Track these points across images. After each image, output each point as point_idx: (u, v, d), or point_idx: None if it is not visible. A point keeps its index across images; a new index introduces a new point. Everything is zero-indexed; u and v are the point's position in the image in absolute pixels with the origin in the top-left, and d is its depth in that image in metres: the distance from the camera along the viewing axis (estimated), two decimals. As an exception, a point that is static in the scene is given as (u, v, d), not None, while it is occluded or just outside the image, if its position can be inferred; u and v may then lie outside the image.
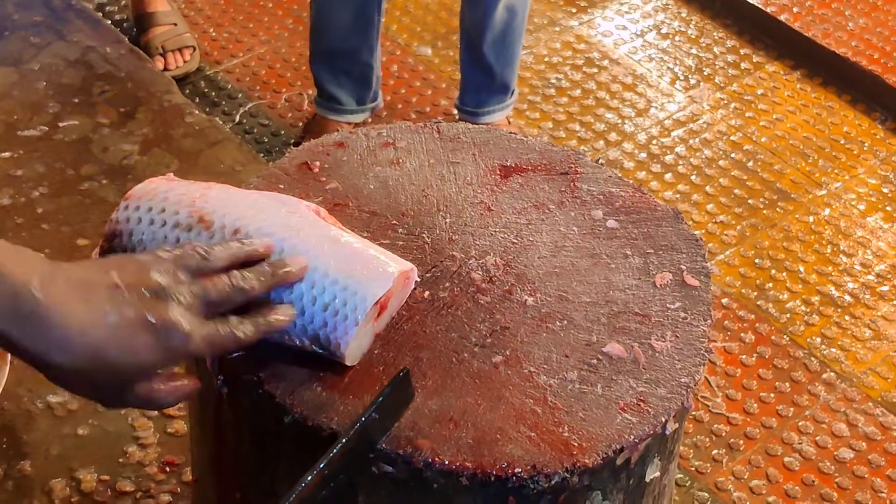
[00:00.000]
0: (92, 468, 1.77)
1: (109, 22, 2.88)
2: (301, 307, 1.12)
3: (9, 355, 1.77)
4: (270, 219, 1.16)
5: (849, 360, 2.54)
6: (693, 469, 2.27)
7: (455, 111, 3.04)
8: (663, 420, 1.14)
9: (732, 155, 3.06)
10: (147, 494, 1.75)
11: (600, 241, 1.32)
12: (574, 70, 3.30)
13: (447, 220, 1.33)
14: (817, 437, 2.36)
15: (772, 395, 2.44)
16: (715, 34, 3.48)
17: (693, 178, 2.98)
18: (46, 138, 2.32)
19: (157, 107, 2.44)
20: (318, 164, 1.39)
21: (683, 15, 3.54)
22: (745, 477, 2.28)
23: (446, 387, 1.14)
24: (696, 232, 1.36)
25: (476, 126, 1.48)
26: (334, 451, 1.04)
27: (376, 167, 1.40)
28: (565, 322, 1.22)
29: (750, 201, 2.92)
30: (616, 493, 1.15)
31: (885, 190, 3.00)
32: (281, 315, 1.10)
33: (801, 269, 2.75)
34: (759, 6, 3.50)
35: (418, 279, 1.23)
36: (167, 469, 1.79)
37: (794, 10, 3.49)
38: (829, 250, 2.81)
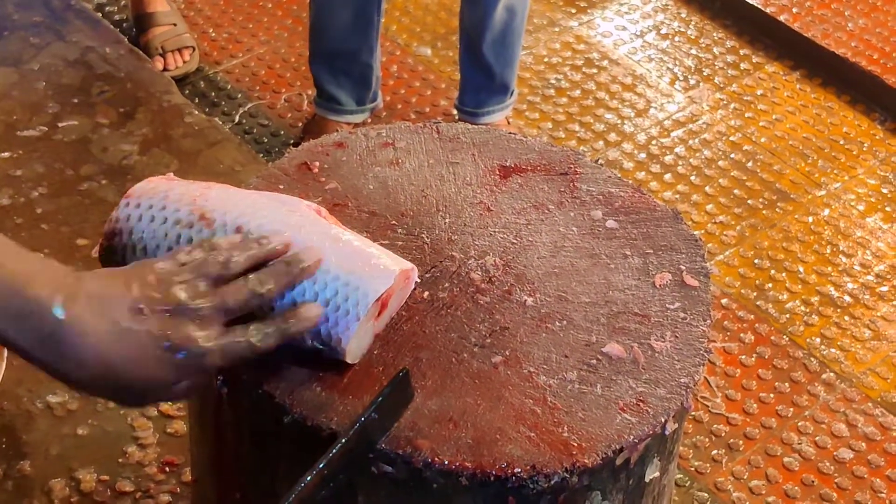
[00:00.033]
0: (91, 468, 1.77)
1: (109, 22, 2.88)
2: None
3: (6, 351, 1.77)
4: (271, 217, 1.16)
5: (848, 360, 2.54)
6: (693, 469, 2.27)
7: (454, 111, 3.04)
8: (663, 420, 1.14)
9: (732, 155, 3.06)
10: (147, 494, 1.75)
11: (600, 242, 1.32)
12: (573, 70, 3.30)
13: (446, 221, 1.33)
14: (817, 438, 2.36)
15: (771, 395, 2.44)
16: (714, 35, 3.48)
17: (692, 178, 2.98)
18: (46, 138, 2.32)
19: (156, 107, 2.44)
20: (317, 164, 1.39)
21: (683, 15, 3.54)
22: (745, 477, 2.28)
23: (446, 387, 1.14)
24: (695, 232, 1.36)
25: (475, 126, 1.48)
26: (334, 451, 1.04)
27: (376, 167, 1.40)
28: (565, 322, 1.22)
29: (749, 202, 2.92)
30: (615, 493, 1.15)
31: (885, 190, 3.00)
32: (305, 320, 1.10)
33: (801, 269, 2.75)
34: (759, 6, 3.50)
35: (418, 280, 1.23)
36: (167, 469, 1.79)
37: (794, 10, 3.49)
38: (828, 251, 2.81)
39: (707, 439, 2.33)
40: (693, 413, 2.35)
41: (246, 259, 1.09)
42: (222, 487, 1.32)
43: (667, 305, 1.25)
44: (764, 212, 2.90)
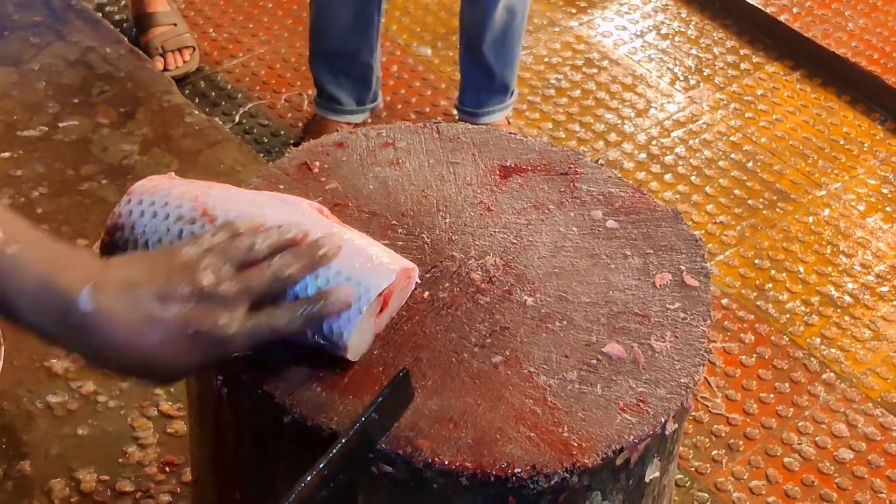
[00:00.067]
0: (91, 468, 1.77)
1: (109, 22, 2.88)
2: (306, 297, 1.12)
3: (3, 350, 1.77)
4: (273, 214, 1.16)
5: (848, 360, 2.54)
6: (693, 469, 2.27)
7: (455, 111, 3.04)
8: (663, 420, 1.14)
9: (732, 155, 3.06)
10: (147, 494, 1.75)
11: (600, 242, 1.32)
12: (574, 70, 3.30)
13: (447, 221, 1.33)
14: (817, 438, 2.36)
15: (771, 395, 2.44)
16: (714, 35, 3.48)
17: (693, 178, 2.98)
18: (46, 138, 2.32)
19: (156, 107, 2.44)
20: (317, 164, 1.39)
21: (683, 15, 3.54)
22: (745, 477, 2.28)
23: (446, 387, 1.14)
24: (695, 232, 1.36)
25: (476, 126, 1.48)
26: (334, 451, 1.04)
27: (376, 167, 1.40)
28: (565, 322, 1.22)
29: (749, 202, 2.92)
30: (616, 493, 1.15)
31: (885, 190, 3.00)
32: (337, 301, 1.10)
33: (801, 269, 2.75)
34: (759, 6, 3.50)
35: (418, 280, 1.23)
36: (167, 469, 1.79)
37: (794, 10, 3.49)
38: (828, 251, 2.81)
39: (707, 439, 2.33)
40: (693, 413, 2.35)
41: (268, 245, 1.10)
42: (222, 487, 1.32)
43: (667, 305, 1.25)
44: (764, 212, 2.90)
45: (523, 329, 1.21)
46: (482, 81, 2.95)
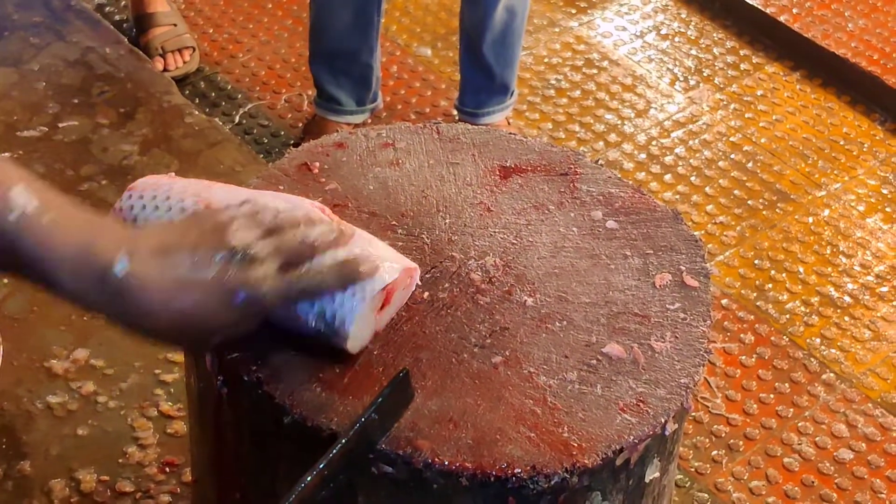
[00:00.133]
0: (91, 468, 1.77)
1: (109, 23, 2.88)
2: None
3: (1, 349, 1.77)
4: (281, 206, 1.17)
5: (848, 360, 2.54)
6: (693, 470, 2.27)
7: (454, 112, 3.04)
8: (663, 421, 1.14)
9: (732, 156, 3.06)
10: (147, 495, 1.75)
11: (600, 242, 1.32)
12: (573, 71, 3.30)
13: (447, 221, 1.33)
14: (817, 438, 2.36)
15: (771, 395, 2.44)
16: (714, 35, 3.48)
17: (692, 179, 2.98)
18: (46, 139, 2.32)
19: (156, 107, 2.44)
20: (317, 164, 1.39)
21: (683, 16, 3.54)
22: (745, 478, 2.28)
23: (446, 387, 1.14)
24: (695, 233, 1.36)
25: (476, 127, 1.48)
26: (334, 451, 1.04)
27: (376, 168, 1.40)
28: (565, 323, 1.22)
29: (749, 202, 2.92)
30: (615, 493, 1.15)
31: (885, 191, 3.00)
32: (362, 271, 1.11)
33: (801, 269, 2.75)
34: (759, 7, 3.50)
35: (419, 282, 1.23)
36: (167, 469, 1.79)
37: (794, 11, 3.49)
38: (828, 251, 2.81)
39: (707, 440, 2.33)
40: (693, 413, 2.35)
41: (293, 217, 1.11)
42: (222, 488, 1.32)
43: (667, 306, 1.25)
44: (764, 212, 2.90)
45: (523, 329, 1.21)
46: (482, 82, 2.95)
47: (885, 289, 2.72)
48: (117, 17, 3.28)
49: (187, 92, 3.01)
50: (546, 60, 3.33)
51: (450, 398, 1.13)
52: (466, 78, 2.97)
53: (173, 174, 1.24)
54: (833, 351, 2.56)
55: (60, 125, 2.34)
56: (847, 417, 2.41)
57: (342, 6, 2.81)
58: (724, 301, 2.64)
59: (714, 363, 2.49)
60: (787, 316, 2.63)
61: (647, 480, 1.19)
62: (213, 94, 3.10)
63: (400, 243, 1.29)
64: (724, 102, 3.24)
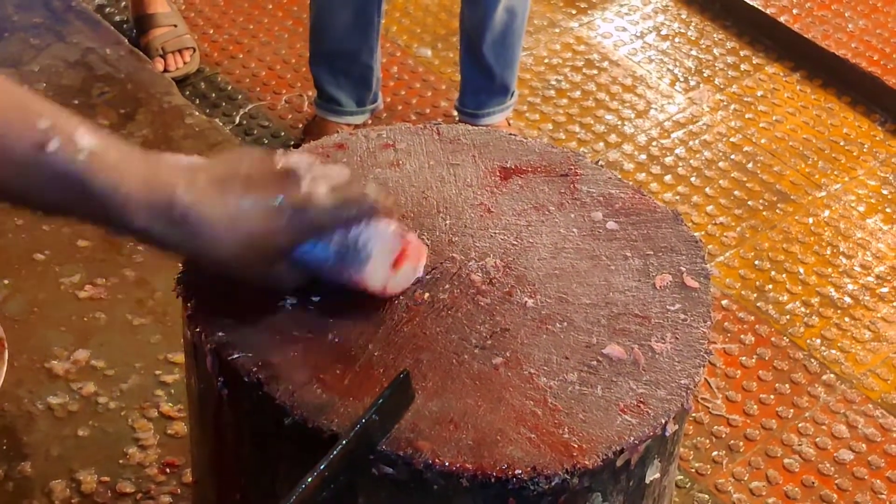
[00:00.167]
0: (92, 469, 1.77)
1: (109, 23, 2.88)
2: None
3: (6, 353, 1.77)
4: None
5: (848, 361, 2.54)
6: (693, 470, 2.27)
7: (455, 113, 3.04)
8: (663, 421, 1.14)
9: (732, 156, 3.06)
10: (147, 496, 1.75)
11: (600, 243, 1.32)
12: (574, 72, 3.30)
13: (447, 222, 1.33)
14: (817, 439, 2.36)
15: (772, 396, 2.44)
16: (715, 36, 3.48)
17: (693, 179, 2.98)
18: (46, 140, 2.32)
19: (156, 108, 2.44)
20: (318, 165, 1.39)
21: (683, 16, 3.54)
22: (745, 478, 2.28)
23: (446, 388, 1.14)
24: (695, 233, 1.36)
25: (476, 128, 1.48)
26: (334, 452, 1.04)
27: (376, 169, 1.40)
28: (565, 324, 1.22)
29: (749, 203, 2.92)
30: (616, 494, 1.15)
31: (885, 192, 3.00)
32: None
33: (801, 270, 2.75)
34: (759, 8, 3.50)
35: (419, 283, 1.23)
36: (167, 470, 1.79)
37: (794, 11, 3.49)
38: (828, 252, 2.81)
39: (707, 440, 2.33)
40: (693, 414, 2.35)
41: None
42: (223, 489, 1.32)
43: (667, 307, 1.25)
44: (764, 213, 2.90)
45: (524, 330, 1.21)
46: (482, 83, 2.95)
47: (885, 289, 2.72)
48: (117, 18, 3.28)
49: (188, 93, 3.01)
50: (546, 61, 3.33)
51: (450, 399, 1.13)
52: (466, 79, 2.97)
53: None
54: (833, 352, 2.56)
55: (61, 126, 2.34)
56: (847, 418, 2.41)
57: (342, 7, 2.82)
58: (724, 302, 2.64)
59: (714, 364, 2.49)
60: (788, 317, 2.63)
61: (647, 481, 1.19)
62: (214, 95, 3.10)
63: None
64: (725, 103, 3.24)
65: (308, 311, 1.20)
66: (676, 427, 1.18)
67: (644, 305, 1.25)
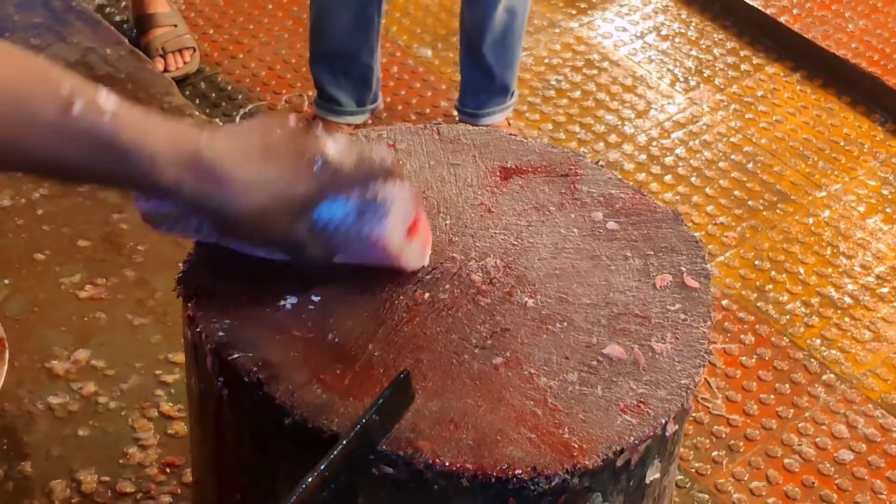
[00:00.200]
0: (92, 469, 1.77)
1: (109, 24, 2.88)
2: None
3: (7, 353, 1.77)
4: None
5: (849, 361, 2.54)
6: (693, 470, 2.27)
7: (455, 113, 3.04)
8: (663, 421, 1.14)
9: (732, 157, 3.06)
10: (147, 496, 1.75)
11: (600, 243, 1.32)
12: (574, 72, 3.30)
13: (447, 222, 1.33)
14: (817, 439, 2.36)
15: (772, 396, 2.44)
16: (715, 36, 3.48)
17: (693, 179, 2.98)
18: (47, 140, 2.32)
19: (157, 108, 2.44)
20: (318, 165, 1.39)
21: (683, 17, 3.54)
22: (745, 478, 2.28)
23: (446, 388, 1.14)
24: (695, 233, 1.36)
25: (476, 128, 1.48)
26: (335, 452, 1.04)
27: (377, 169, 1.40)
28: (565, 324, 1.22)
29: (750, 203, 2.92)
30: (616, 494, 1.16)
31: (885, 192, 3.00)
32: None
33: (801, 270, 2.75)
34: (759, 8, 3.50)
35: (420, 277, 1.23)
36: (167, 470, 1.79)
37: (794, 11, 3.49)
38: (828, 252, 2.81)
39: (707, 440, 2.33)
40: (693, 414, 2.35)
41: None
42: (223, 489, 1.32)
43: (667, 307, 1.25)
44: (764, 213, 2.90)
45: (524, 330, 1.21)
46: (482, 83, 2.95)
47: (885, 290, 2.72)
48: (118, 18, 3.28)
49: (188, 92, 3.01)
50: (546, 61, 3.33)
51: (450, 399, 1.13)
52: (467, 79, 2.97)
53: None
54: (833, 352, 2.56)
55: (61, 126, 2.34)
56: (847, 418, 2.41)
57: (342, 7, 2.82)
58: (724, 302, 2.64)
59: (714, 364, 2.50)
60: (788, 317, 2.63)
61: (647, 481, 1.19)
62: (214, 95, 3.10)
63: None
64: (725, 103, 3.24)
65: (308, 311, 1.20)
66: (676, 427, 1.18)
67: (644, 305, 1.25)
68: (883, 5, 3.56)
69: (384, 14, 2.91)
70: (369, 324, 1.20)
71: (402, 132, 1.45)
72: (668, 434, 1.16)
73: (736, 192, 2.94)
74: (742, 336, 2.56)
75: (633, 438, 1.12)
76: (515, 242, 1.31)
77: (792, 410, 2.41)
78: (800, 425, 2.38)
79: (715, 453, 2.31)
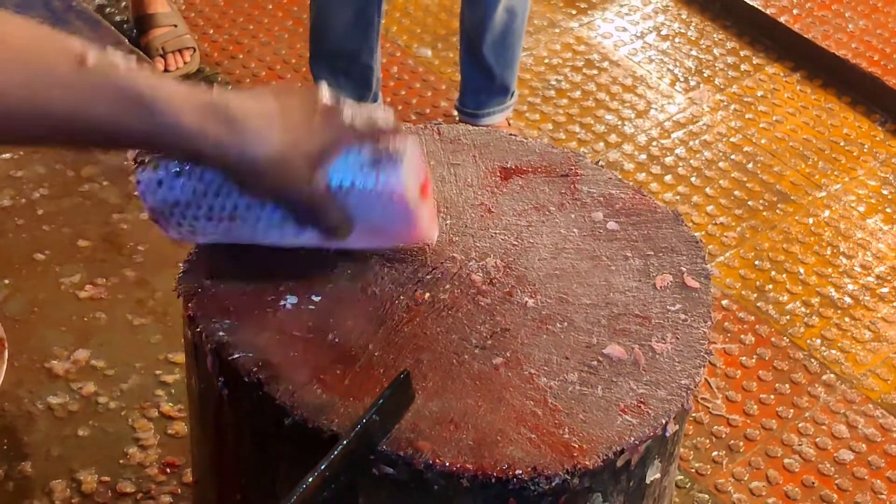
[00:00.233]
0: (92, 469, 1.77)
1: (109, 23, 2.88)
2: None
3: (6, 352, 1.77)
4: None
5: (849, 361, 2.54)
6: (693, 471, 2.27)
7: (455, 113, 3.04)
8: (663, 422, 1.14)
9: (732, 157, 3.06)
10: (147, 496, 1.75)
11: (600, 243, 1.32)
12: (574, 72, 3.30)
13: (448, 222, 1.33)
14: (817, 439, 2.36)
15: (772, 396, 2.44)
16: (715, 36, 3.48)
17: (693, 179, 2.98)
18: (47, 140, 2.32)
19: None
20: (318, 165, 1.39)
21: (683, 17, 3.54)
22: (746, 478, 2.28)
23: (447, 388, 1.14)
24: (695, 234, 1.36)
25: (476, 128, 1.48)
26: (335, 452, 1.04)
27: (377, 169, 1.39)
28: (566, 324, 1.22)
29: (750, 203, 2.92)
30: (616, 494, 1.16)
31: (885, 192, 3.00)
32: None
33: (801, 270, 2.75)
34: (759, 8, 3.50)
35: (420, 278, 1.23)
36: (168, 470, 1.79)
37: (794, 11, 3.49)
38: (828, 252, 2.81)
39: (707, 440, 2.33)
40: (693, 414, 2.35)
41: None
42: (223, 489, 1.32)
43: (667, 307, 1.25)
44: (764, 213, 2.90)
45: (524, 330, 1.21)
46: (482, 83, 2.95)
47: (885, 290, 2.72)
48: (118, 18, 3.28)
49: (188, 93, 3.00)
50: (546, 61, 3.33)
51: (451, 399, 1.13)
52: (467, 79, 2.97)
53: None
54: (833, 352, 2.56)
55: (61, 126, 2.34)
56: (847, 418, 2.41)
57: (342, 7, 2.82)
58: (724, 302, 2.64)
59: (714, 364, 2.49)
60: (788, 317, 2.63)
61: (647, 482, 1.19)
62: (214, 95, 3.10)
63: (401, 244, 1.29)
64: (725, 103, 3.24)
65: (308, 311, 1.20)
66: (676, 427, 1.19)
67: (644, 306, 1.25)
68: (883, 5, 3.56)
69: (384, 14, 2.91)
70: (369, 324, 1.20)
71: (402, 132, 1.45)
72: (668, 434, 1.16)
73: (736, 193, 2.94)
74: (742, 336, 2.56)
75: (633, 439, 1.12)
76: (515, 242, 1.31)
77: (792, 410, 2.41)
78: (800, 425, 2.38)
79: (715, 453, 2.31)
